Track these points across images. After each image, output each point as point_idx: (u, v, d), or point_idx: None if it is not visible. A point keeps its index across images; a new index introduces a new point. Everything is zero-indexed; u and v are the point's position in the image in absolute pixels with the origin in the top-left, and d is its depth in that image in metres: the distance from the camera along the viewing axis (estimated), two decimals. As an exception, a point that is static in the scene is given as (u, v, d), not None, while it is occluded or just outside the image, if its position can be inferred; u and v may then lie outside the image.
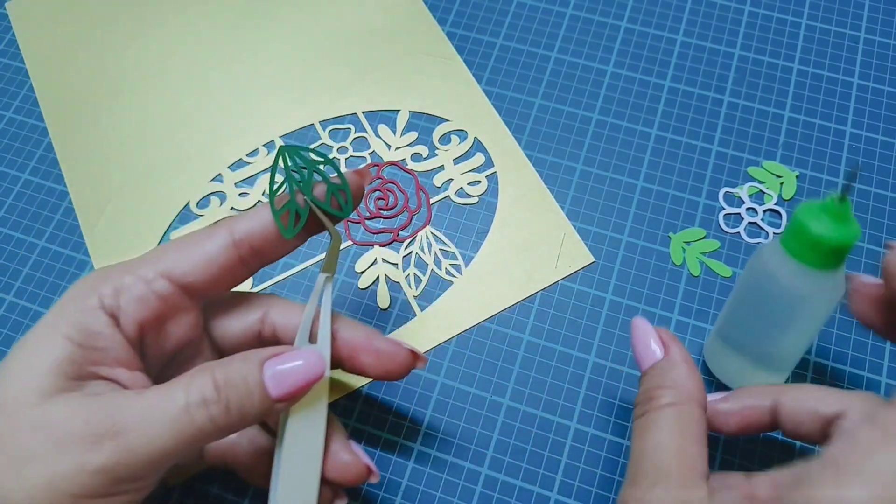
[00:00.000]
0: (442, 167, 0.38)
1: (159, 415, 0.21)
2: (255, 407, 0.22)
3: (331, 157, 0.36)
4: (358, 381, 0.33)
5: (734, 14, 0.42)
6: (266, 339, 0.27)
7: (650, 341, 0.26)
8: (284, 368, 0.23)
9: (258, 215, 0.25)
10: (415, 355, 0.28)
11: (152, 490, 0.23)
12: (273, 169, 0.26)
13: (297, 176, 0.25)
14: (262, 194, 0.38)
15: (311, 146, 0.39)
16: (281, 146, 0.25)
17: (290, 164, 0.25)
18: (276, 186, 0.25)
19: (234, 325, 0.27)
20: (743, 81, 0.40)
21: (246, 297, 0.28)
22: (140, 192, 0.38)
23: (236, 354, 0.23)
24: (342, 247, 0.36)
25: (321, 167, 0.25)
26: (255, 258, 0.26)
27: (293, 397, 0.23)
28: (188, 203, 0.38)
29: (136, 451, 0.21)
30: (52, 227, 0.38)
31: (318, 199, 0.25)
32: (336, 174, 0.26)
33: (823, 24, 0.41)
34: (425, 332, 0.34)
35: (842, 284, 0.25)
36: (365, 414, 0.33)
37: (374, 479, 0.27)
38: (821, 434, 0.23)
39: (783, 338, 0.27)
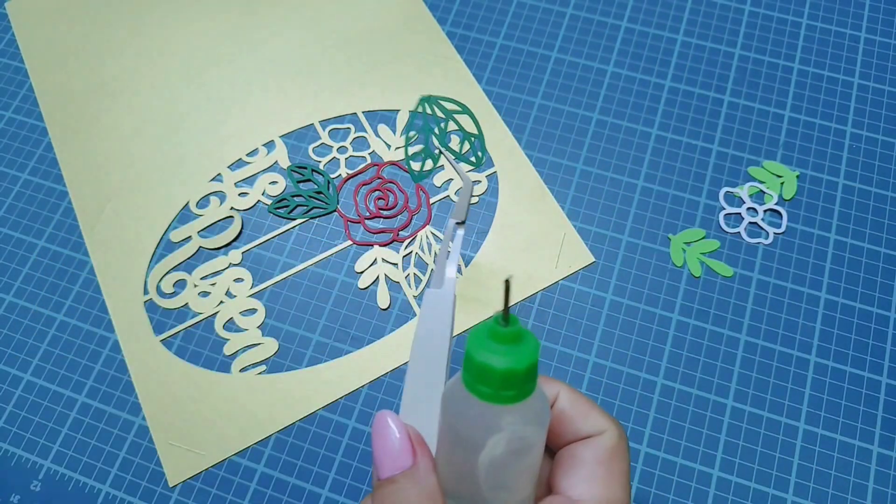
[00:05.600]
0: (442, 167, 0.38)
1: None
2: None
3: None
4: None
5: (734, 14, 0.42)
6: None
7: (398, 442, 0.21)
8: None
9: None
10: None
11: None
12: (411, 115, 0.26)
13: (433, 126, 0.26)
14: (262, 194, 0.38)
15: (312, 146, 0.39)
16: (422, 96, 0.26)
17: (428, 112, 0.26)
18: (412, 132, 0.26)
19: None
20: (743, 81, 0.40)
21: None
22: (140, 192, 0.38)
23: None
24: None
25: (458, 116, 0.26)
26: None
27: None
28: (188, 203, 0.38)
29: None
30: (52, 227, 0.38)
31: (451, 147, 0.26)
32: (474, 123, 0.26)
33: (823, 24, 0.41)
34: (425, 332, 0.34)
35: (542, 412, 0.20)
36: (366, 414, 0.33)
37: None
38: None
39: (499, 494, 0.21)
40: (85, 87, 0.41)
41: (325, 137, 0.39)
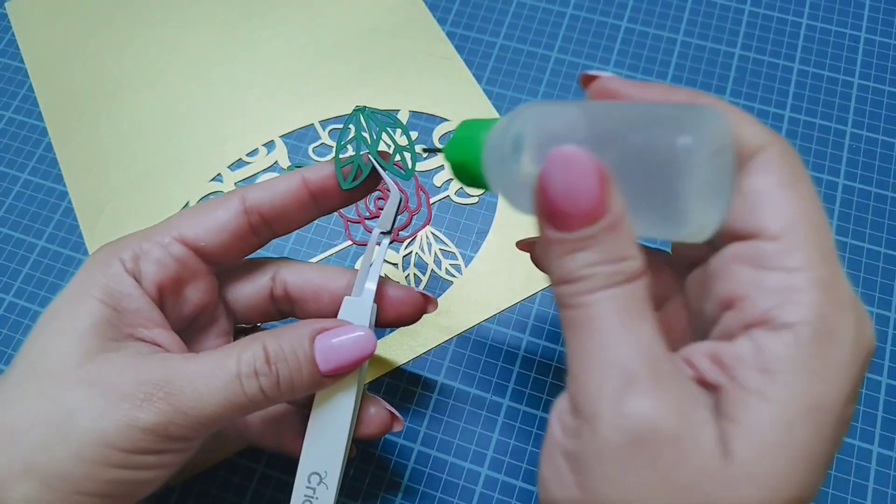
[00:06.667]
0: (442, 167, 0.38)
1: (211, 380, 0.22)
2: (303, 381, 0.23)
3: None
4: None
5: (734, 14, 0.42)
6: (278, 298, 0.28)
7: (594, 182, 0.17)
8: (335, 343, 0.23)
9: (270, 185, 0.26)
10: (426, 298, 0.28)
11: (194, 452, 0.23)
12: (345, 124, 0.27)
13: (366, 136, 0.27)
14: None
15: (312, 146, 0.39)
16: (357, 107, 0.27)
17: (363, 123, 0.27)
18: (344, 142, 0.27)
19: (245, 287, 0.28)
20: (743, 81, 0.40)
21: (256, 261, 0.28)
22: (140, 192, 0.38)
23: (289, 325, 0.24)
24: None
25: (391, 129, 0.27)
26: (265, 227, 0.26)
27: (342, 372, 0.24)
28: (188, 203, 0.38)
29: (187, 413, 0.21)
30: (52, 227, 0.38)
31: (381, 159, 0.27)
32: (404, 136, 0.27)
33: (823, 24, 0.41)
34: (425, 332, 0.34)
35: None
36: (365, 414, 0.33)
37: (397, 428, 0.28)
38: None
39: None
40: (85, 87, 0.41)
41: (324, 137, 0.39)
